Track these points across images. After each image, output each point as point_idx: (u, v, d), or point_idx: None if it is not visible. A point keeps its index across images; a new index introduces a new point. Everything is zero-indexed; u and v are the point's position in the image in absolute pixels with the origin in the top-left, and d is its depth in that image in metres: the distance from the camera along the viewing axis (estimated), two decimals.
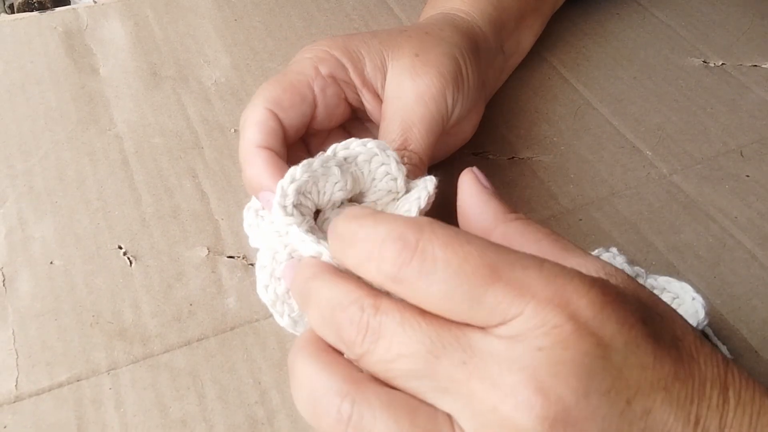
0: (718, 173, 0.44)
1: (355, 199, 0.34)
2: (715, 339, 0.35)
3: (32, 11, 0.53)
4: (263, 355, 0.34)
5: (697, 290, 0.32)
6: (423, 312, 0.22)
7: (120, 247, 0.38)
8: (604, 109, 0.48)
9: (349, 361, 0.23)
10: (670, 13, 0.56)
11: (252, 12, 0.53)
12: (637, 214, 0.41)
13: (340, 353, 0.24)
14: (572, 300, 0.21)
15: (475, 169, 0.29)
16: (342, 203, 0.33)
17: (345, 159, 0.32)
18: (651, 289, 0.32)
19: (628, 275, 0.24)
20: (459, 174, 0.29)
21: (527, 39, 0.49)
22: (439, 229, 0.22)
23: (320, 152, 0.32)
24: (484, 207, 0.28)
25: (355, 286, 0.23)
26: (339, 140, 0.40)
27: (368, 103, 0.38)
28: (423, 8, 0.47)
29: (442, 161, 0.42)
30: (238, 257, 0.38)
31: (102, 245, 0.38)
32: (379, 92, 0.38)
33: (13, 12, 0.77)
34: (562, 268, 0.22)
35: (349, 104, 0.39)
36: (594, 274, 0.23)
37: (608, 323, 0.21)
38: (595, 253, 0.33)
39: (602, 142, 0.45)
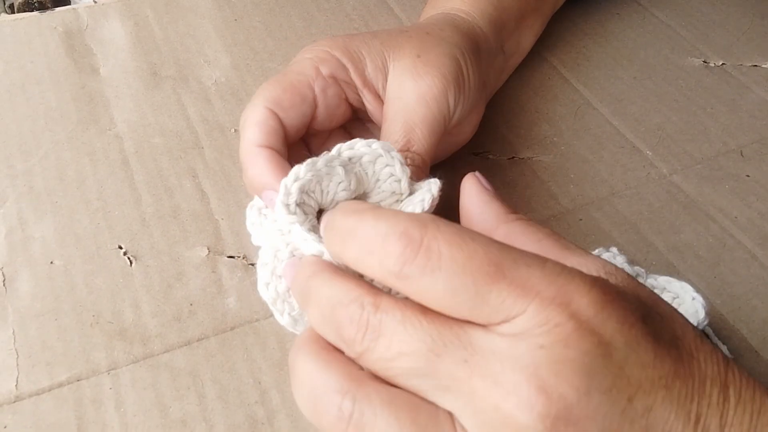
0: (718, 173, 0.44)
1: (358, 200, 0.34)
2: (715, 339, 0.35)
3: (32, 11, 0.53)
4: (263, 355, 0.34)
5: (697, 290, 0.32)
6: (424, 310, 0.22)
7: (120, 247, 0.38)
8: (604, 109, 0.48)
9: (350, 360, 0.23)
10: (670, 13, 0.56)
11: (252, 12, 0.53)
12: (637, 214, 0.41)
13: (341, 351, 0.24)
14: (574, 299, 0.21)
15: (477, 173, 0.29)
16: None
17: (349, 159, 0.32)
18: (651, 289, 0.33)
19: (628, 274, 0.24)
20: (459, 174, 0.29)
21: (527, 39, 0.49)
22: (443, 225, 0.22)
23: (324, 151, 0.32)
24: (486, 208, 0.28)
25: (355, 284, 0.23)
26: (339, 141, 0.39)
27: (369, 103, 0.38)
28: (423, 8, 0.47)
29: (442, 161, 0.42)
30: (238, 257, 0.38)
31: (102, 245, 0.38)
32: (380, 93, 0.38)
33: (13, 12, 0.77)
34: (564, 267, 0.22)
35: (350, 105, 0.39)
36: (594, 273, 0.24)
37: (609, 322, 0.21)
38: (595, 253, 0.33)
39: (602, 142, 0.45)
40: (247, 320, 0.35)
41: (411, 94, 0.36)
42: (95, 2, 0.53)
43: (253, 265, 0.38)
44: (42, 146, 0.43)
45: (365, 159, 0.32)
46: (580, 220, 0.41)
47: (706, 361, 0.22)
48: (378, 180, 0.33)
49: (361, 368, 0.23)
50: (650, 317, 0.22)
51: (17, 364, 0.33)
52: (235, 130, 0.45)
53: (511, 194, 0.42)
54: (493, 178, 0.43)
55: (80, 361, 0.34)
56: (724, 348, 0.35)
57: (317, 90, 0.37)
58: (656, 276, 0.33)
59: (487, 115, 0.44)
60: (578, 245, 0.26)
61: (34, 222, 0.39)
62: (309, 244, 0.28)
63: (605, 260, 0.25)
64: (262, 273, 0.31)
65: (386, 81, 0.38)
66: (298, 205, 0.30)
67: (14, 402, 0.32)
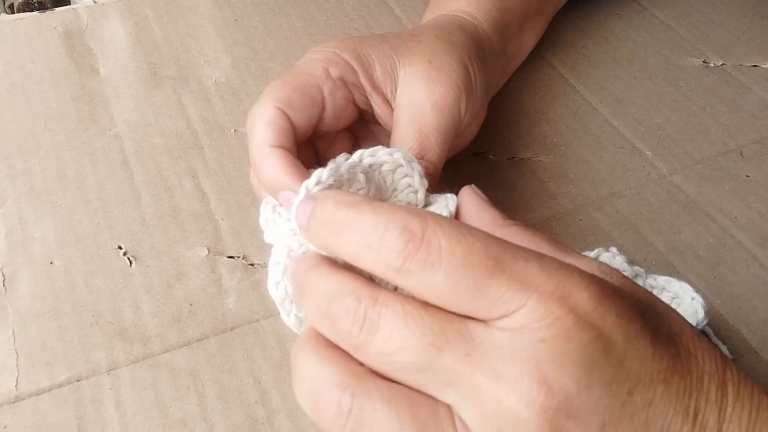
0: (718, 173, 0.44)
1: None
2: (714, 339, 0.35)
3: (32, 11, 0.53)
4: (263, 355, 0.34)
5: (697, 290, 0.32)
6: (424, 304, 0.22)
7: (120, 247, 0.38)
8: (604, 109, 0.48)
9: (350, 356, 0.23)
10: (670, 13, 0.56)
11: (252, 12, 0.53)
12: (637, 214, 0.41)
13: (341, 348, 0.24)
14: (572, 293, 0.21)
15: (473, 185, 0.31)
16: None
17: (370, 166, 0.32)
18: (650, 289, 0.33)
19: (623, 275, 0.25)
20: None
21: (529, 41, 0.49)
22: (443, 220, 0.22)
23: (343, 154, 0.32)
24: (483, 215, 0.29)
25: (352, 277, 0.23)
26: (345, 142, 0.39)
27: (378, 107, 0.38)
28: (425, 8, 0.47)
29: None
30: (238, 257, 0.38)
31: (102, 245, 0.38)
32: (389, 97, 0.38)
33: (13, 12, 0.77)
34: (561, 262, 0.22)
35: (357, 107, 0.38)
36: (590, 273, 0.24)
37: (608, 316, 0.21)
38: (595, 252, 0.33)
39: (602, 142, 0.45)
40: (247, 320, 0.35)
41: (425, 102, 0.36)
42: (95, 2, 0.53)
43: (252, 265, 0.38)
44: (42, 146, 0.43)
45: (385, 167, 0.32)
46: (580, 220, 0.41)
47: (704, 358, 0.23)
48: (395, 189, 0.32)
49: (361, 364, 0.23)
50: (647, 314, 0.23)
51: (17, 364, 0.33)
52: (235, 130, 0.45)
53: (511, 194, 0.42)
54: (493, 178, 0.43)
55: (80, 361, 0.34)
56: (723, 348, 0.35)
57: (326, 92, 0.36)
58: (656, 276, 0.33)
59: (487, 115, 0.44)
60: (578, 246, 0.26)
61: (34, 222, 0.39)
62: None
63: (601, 262, 0.25)
64: (273, 271, 0.31)
65: (395, 85, 0.38)
66: None
67: (14, 402, 0.32)
